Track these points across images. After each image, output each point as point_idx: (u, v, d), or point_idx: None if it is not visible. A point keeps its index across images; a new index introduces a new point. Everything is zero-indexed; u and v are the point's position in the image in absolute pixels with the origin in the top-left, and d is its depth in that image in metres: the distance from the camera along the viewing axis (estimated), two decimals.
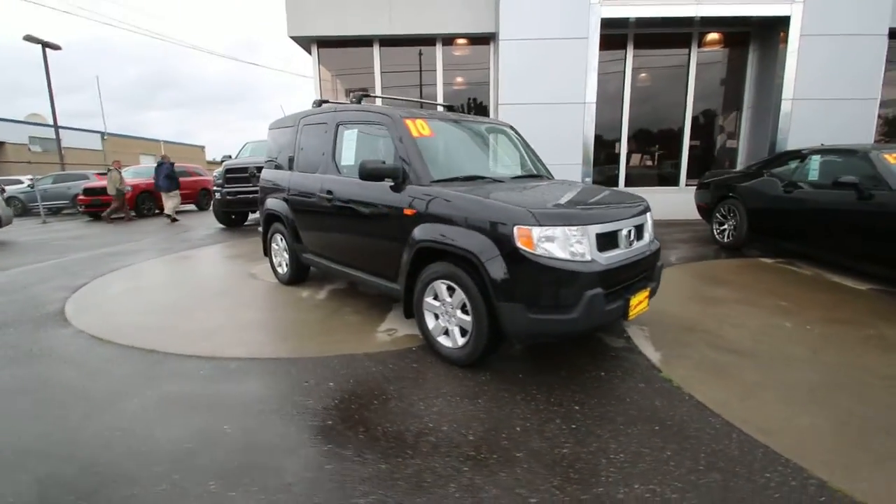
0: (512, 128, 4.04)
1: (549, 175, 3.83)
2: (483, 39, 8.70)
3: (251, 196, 8.47)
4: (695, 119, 8.91)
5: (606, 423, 2.12)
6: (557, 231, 2.37)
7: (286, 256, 4.47)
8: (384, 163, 2.99)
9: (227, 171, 8.65)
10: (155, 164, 10.96)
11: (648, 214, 3.02)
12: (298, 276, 4.50)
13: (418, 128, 3.16)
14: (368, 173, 2.98)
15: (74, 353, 3.02)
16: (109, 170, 11.25)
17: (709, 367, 2.69)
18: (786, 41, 7.74)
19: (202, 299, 4.18)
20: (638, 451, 1.91)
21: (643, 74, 8.89)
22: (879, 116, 8.24)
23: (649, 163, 9.29)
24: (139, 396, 2.42)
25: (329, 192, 3.61)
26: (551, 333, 2.47)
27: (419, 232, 2.81)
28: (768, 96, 8.28)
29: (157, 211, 12.60)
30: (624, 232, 2.65)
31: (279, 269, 4.67)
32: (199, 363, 2.82)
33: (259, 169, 7.97)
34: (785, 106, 7.88)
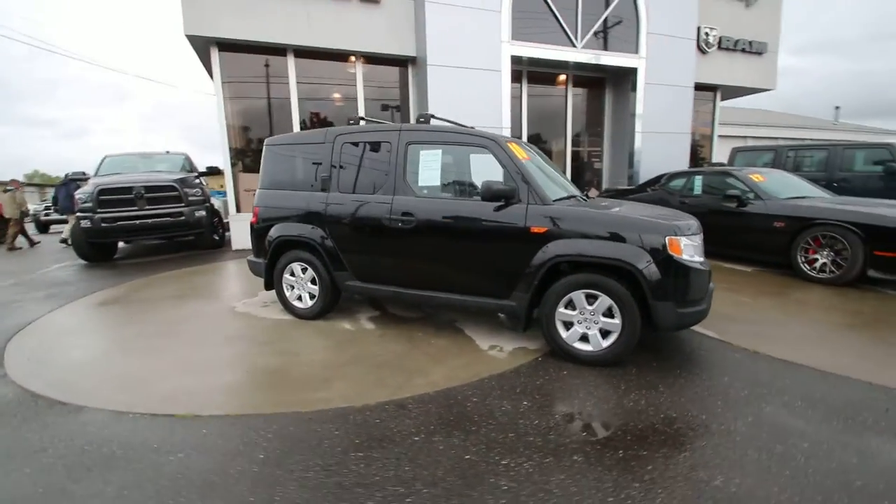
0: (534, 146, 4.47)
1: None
2: (402, 62, 8.89)
3: (138, 222, 6.90)
4: (573, 143, 10.74)
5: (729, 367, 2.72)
6: (695, 239, 2.92)
7: (313, 288, 3.98)
8: (503, 184, 3.11)
9: (101, 191, 6.82)
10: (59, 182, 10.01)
11: None
12: (329, 307, 4.04)
13: (519, 151, 3.35)
14: (494, 195, 3.07)
15: None
16: (7, 189, 10.04)
17: (737, 334, 3.55)
18: (635, 87, 10.05)
19: (254, 353, 3.43)
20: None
21: (535, 104, 10.34)
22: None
23: None
24: None
25: (407, 213, 3.45)
26: (689, 324, 2.98)
27: (554, 248, 3.01)
28: (623, 128, 10.55)
29: None
30: None
31: (297, 303, 4.10)
32: (347, 413, 2.45)
33: (148, 189, 6.69)
34: (637, 137, 10.19)
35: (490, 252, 3.26)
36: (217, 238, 8.31)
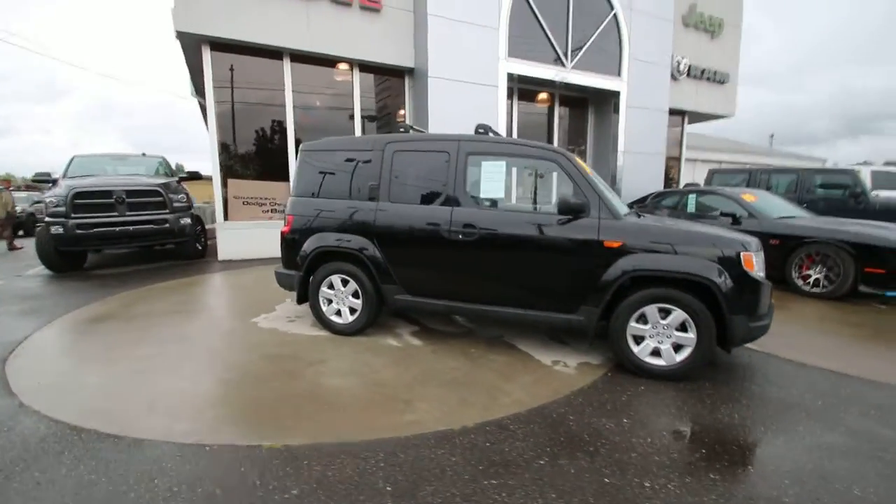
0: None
1: None
2: (399, 72, 8.80)
3: (118, 230, 6.31)
4: None
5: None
6: (761, 255, 3.04)
7: (354, 302, 3.77)
8: (577, 198, 3.11)
9: (77, 195, 6.17)
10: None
11: None
12: (372, 322, 3.84)
13: (584, 165, 3.37)
14: (570, 208, 3.07)
15: None
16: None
17: (774, 346, 3.73)
18: (617, 109, 10.53)
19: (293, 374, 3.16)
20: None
21: (523, 121, 10.57)
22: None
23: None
24: None
25: (469, 225, 3.36)
26: (756, 337, 3.08)
27: (629, 262, 3.03)
28: (606, 147, 10.99)
29: None
30: None
31: (335, 318, 3.86)
32: (469, 433, 2.31)
33: (130, 193, 6.20)
34: (619, 157, 10.64)
35: (559, 266, 3.23)
36: (200, 248, 7.74)
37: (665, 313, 3.02)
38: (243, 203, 7.83)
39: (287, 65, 7.80)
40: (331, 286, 3.84)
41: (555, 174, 3.52)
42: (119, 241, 6.45)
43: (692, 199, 7.19)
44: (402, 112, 9.12)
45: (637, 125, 10.66)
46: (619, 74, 10.30)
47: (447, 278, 3.51)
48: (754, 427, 2.46)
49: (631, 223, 3.13)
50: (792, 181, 8.53)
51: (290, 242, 3.97)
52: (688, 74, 12.13)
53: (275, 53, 7.67)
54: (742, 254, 2.93)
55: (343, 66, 8.34)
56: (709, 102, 12.86)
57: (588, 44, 9.78)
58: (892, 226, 5.46)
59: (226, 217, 7.69)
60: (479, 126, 3.60)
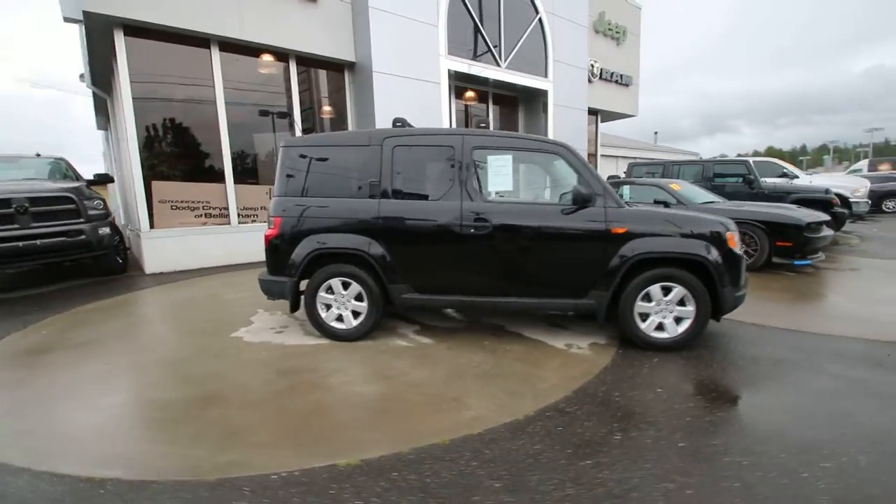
0: None
1: None
2: (338, 66, 8.44)
3: (21, 245, 5.31)
4: None
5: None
6: (737, 234, 3.47)
7: (358, 305, 3.59)
8: (586, 188, 3.29)
9: None
10: None
11: None
12: (377, 325, 3.68)
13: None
14: (584, 199, 3.24)
15: None
16: None
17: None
18: (546, 108, 11.18)
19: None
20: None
21: (459, 119, 10.75)
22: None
23: None
24: None
25: (480, 219, 3.37)
26: (738, 306, 3.50)
27: (635, 246, 3.28)
28: None
29: None
30: None
31: (336, 324, 3.63)
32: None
33: (35, 201, 5.34)
34: None
35: (571, 254, 3.39)
36: (121, 261, 6.74)
37: (666, 291, 3.32)
38: (171, 208, 6.98)
39: (216, 55, 7.08)
40: (329, 290, 3.61)
41: (553, 166, 3.67)
42: (24, 258, 5.38)
43: (627, 189, 7.90)
44: (326, 108, 8.76)
45: (563, 123, 11.41)
46: (546, 75, 10.93)
47: (459, 273, 3.50)
48: (764, 381, 2.83)
49: (633, 211, 3.39)
50: (698, 171, 9.75)
51: (279, 246, 3.65)
52: (600, 77, 13.26)
53: (201, 41, 6.92)
54: (727, 233, 3.32)
55: (279, 59, 7.79)
56: (617, 103, 14.18)
57: (518, 45, 10.24)
58: (794, 207, 6.53)
59: (151, 224, 6.78)
60: (395, 119, 3.63)
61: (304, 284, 3.70)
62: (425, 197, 3.52)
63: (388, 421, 2.42)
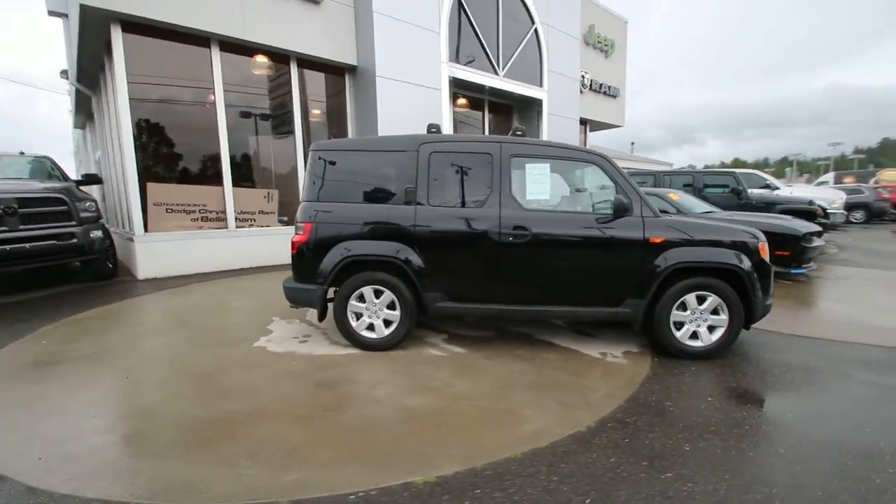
0: None
1: None
2: (339, 70, 8.32)
3: (9, 248, 5.00)
4: None
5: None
6: (766, 244, 3.56)
7: (390, 313, 3.50)
8: (626, 199, 3.31)
9: None
10: None
11: None
12: (409, 334, 3.60)
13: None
14: (623, 208, 3.26)
15: None
16: None
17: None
18: (540, 116, 11.32)
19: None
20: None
21: (461, 121, 10.77)
22: None
23: None
24: None
25: (519, 227, 3.35)
26: (767, 314, 3.58)
27: (673, 255, 3.31)
28: None
29: None
30: None
31: (367, 333, 3.53)
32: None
33: (24, 202, 5.08)
34: None
35: (608, 262, 3.39)
36: (111, 266, 6.40)
37: (700, 300, 3.36)
38: (167, 211, 6.69)
39: (217, 54, 6.86)
40: (360, 298, 3.51)
41: (589, 175, 3.69)
42: (12, 261, 5.04)
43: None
44: (324, 112, 8.63)
45: (556, 132, 11.57)
46: (541, 84, 11.08)
47: (496, 282, 3.46)
48: (802, 389, 2.89)
49: (669, 220, 3.43)
50: (688, 181, 10.04)
51: (308, 253, 3.53)
52: (590, 88, 13.55)
53: (202, 40, 6.70)
54: (759, 243, 3.40)
55: (281, 60, 7.62)
56: (606, 113, 14.51)
57: (515, 54, 10.36)
58: (789, 217, 6.78)
59: (146, 228, 6.48)
60: (430, 125, 3.62)
61: (330, 292, 3.60)
62: (462, 204, 3.47)
63: (449, 435, 2.35)
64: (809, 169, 59.76)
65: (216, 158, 7.07)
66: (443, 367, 3.24)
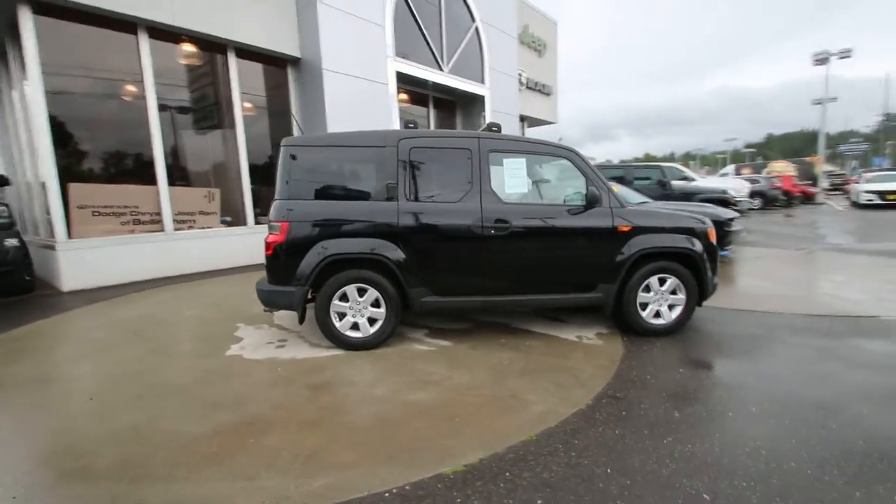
0: None
1: None
2: (281, 62, 7.93)
3: None
4: None
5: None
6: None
7: (375, 311, 3.47)
8: (597, 190, 3.54)
9: None
10: None
11: None
12: (394, 331, 3.58)
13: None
14: (595, 199, 3.49)
15: None
16: None
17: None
18: (483, 111, 11.58)
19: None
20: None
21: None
22: None
23: None
24: None
25: (501, 220, 3.46)
26: (714, 291, 4.00)
27: (638, 242, 3.60)
28: None
29: None
30: None
31: (351, 333, 3.47)
32: None
33: None
34: None
35: (583, 251, 3.62)
36: (29, 278, 5.64)
37: (662, 282, 3.70)
38: (93, 213, 6.02)
39: (145, 42, 6.25)
40: (343, 298, 3.44)
41: (560, 169, 3.89)
42: None
43: None
44: (258, 106, 8.23)
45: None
46: (483, 81, 11.33)
47: (480, 274, 3.55)
48: (754, 354, 3.29)
49: (633, 210, 3.72)
50: (619, 174, 10.82)
51: (286, 253, 3.38)
52: (526, 86, 14.07)
53: (128, 25, 6.07)
54: (707, 228, 3.80)
55: (217, 50, 7.11)
56: (541, 110, 15.16)
57: (459, 51, 10.50)
58: (711, 205, 7.58)
59: (69, 234, 5.79)
60: (407, 121, 3.71)
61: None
62: (444, 199, 3.51)
63: (463, 425, 2.40)
64: (709, 162, 66.64)
65: (149, 155, 6.46)
66: (434, 361, 3.28)
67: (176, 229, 6.75)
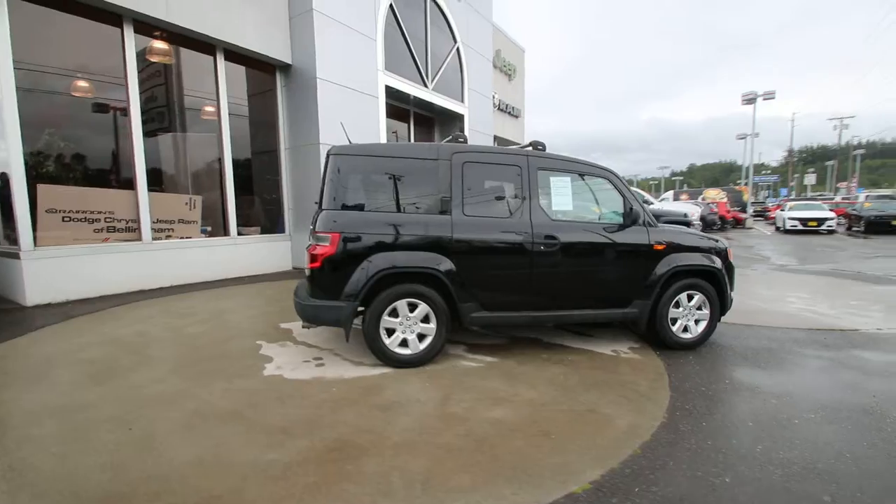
0: None
1: None
2: (269, 66, 7.63)
3: None
4: None
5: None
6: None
7: (426, 327, 3.37)
8: (632, 208, 3.71)
9: None
10: None
11: None
12: (443, 347, 3.49)
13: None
14: (634, 218, 3.68)
15: None
16: None
17: None
18: (462, 132, 11.76)
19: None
20: None
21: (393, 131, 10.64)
22: None
23: None
24: None
25: (550, 236, 3.52)
26: (731, 307, 4.26)
27: (672, 260, 3.80)
28: None
29: None
30: None
31: (400, 350, 3.34)
32: None
33: None
34: None
35: (623, 267, 3.75)
36: None
37: (689, 298, 3.91)
38: (63, 219, 5.39)
39: (130, 36, 5.78)
40: (394, 313, 3.31)
41: (599, 188, 4.03)
42: None
43: None
44: (244, 110, 7.88)
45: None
46: (462, 100, 11.55)
47: (528, 289, 3.56)
48: (776, 365, 3.54)
49: (666, 229, 3.92)
50: None
51: (336, 266, 3.22)
52: (498, 108, 14.50)
53: (112, 17, 5.59)
54: (727, 248, 4.09)
55: (206, 50, 6.72)
56: (510, 131, 15.66)
57: (442, 69, 10.66)
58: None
59: (35, 242, 5.13)
60: (456, 135, 3.77)
61: None
62: (496, 214, 3.52)
63: (563, 441, 2.37)
64: (643, 187, 71.89)
65: (128, 158, 5.92)
66: (489, 378, 3.22)
67: (154, 238, 6.19)
